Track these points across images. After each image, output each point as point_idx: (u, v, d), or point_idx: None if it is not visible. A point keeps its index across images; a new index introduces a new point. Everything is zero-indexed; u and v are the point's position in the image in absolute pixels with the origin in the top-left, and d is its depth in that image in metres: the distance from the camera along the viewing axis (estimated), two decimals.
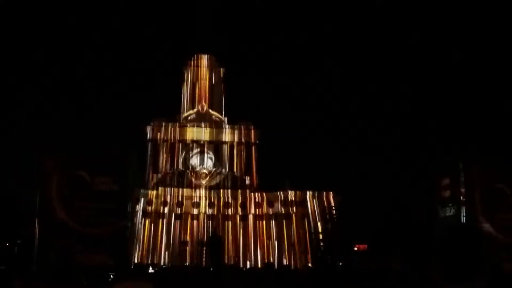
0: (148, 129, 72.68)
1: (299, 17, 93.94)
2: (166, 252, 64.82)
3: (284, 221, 67.62)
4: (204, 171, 70.36)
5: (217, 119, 73.17)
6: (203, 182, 69.00)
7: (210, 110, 73.08)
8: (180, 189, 67.38)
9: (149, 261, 59.67)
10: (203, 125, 72.10)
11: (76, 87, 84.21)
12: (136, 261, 57.04)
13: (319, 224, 62.85)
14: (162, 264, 60.10)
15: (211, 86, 76.03)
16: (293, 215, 66.97)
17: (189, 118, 72.87)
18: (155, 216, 66.43)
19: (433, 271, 3.97)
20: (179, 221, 67.18)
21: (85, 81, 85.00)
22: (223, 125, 73.82)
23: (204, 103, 72.82)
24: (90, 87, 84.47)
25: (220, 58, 77.16)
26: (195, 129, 72.66)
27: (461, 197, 25.49)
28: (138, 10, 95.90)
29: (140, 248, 63.57)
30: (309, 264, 60.27)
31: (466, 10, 77.33)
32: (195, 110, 73.01)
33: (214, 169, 71.16)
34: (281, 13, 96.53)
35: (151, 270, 36.19)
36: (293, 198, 67.13)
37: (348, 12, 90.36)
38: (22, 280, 13.44)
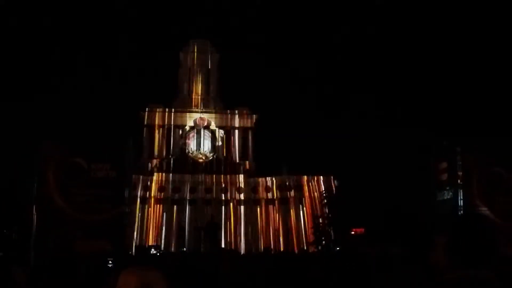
0: (144, 114, 72.52)
1: (297, 3, 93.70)
2: (164, 237, 64.93)
3: (281, 205, 67.75)
4: (201, 156, 70.35)
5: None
6: (200, 167, 69.00)
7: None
8: (177, 175, 67.36)
9: (149, 244, 59.77)
10: (199, 111, 71.98)
11: (72, 74, 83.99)
12: (135, 246, 57.07)
13: (316, 208, 62.96)
14: (161, 248, 60.24)
15: (207, 73, 75.78)
16: (291, 199, 67.09)
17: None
18: (152, 202, 66.46)
19: (438, 257, 3.96)
20: (176, 206, 67.23)
21: (82, 68, 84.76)
22: (220, 111, 73.71)
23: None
24: (87, 73, 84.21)
25: (216, 43, 76.93)
26: (192, 114, 72.54)
27: (458, 181, 25.54)
28: None
29: (138, 233, 63.68)
30: (307, 248, 60.42)
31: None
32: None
33: (211, 154, 71.14)
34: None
35: (153, 251, 36.29)
36: (291, 183, 67.25)
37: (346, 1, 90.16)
38: (20, 267, 13.39)
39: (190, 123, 72.34)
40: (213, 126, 72.95)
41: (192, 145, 71.93)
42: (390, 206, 60.36)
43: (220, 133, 73.19)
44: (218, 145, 72.70)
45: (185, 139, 72.45)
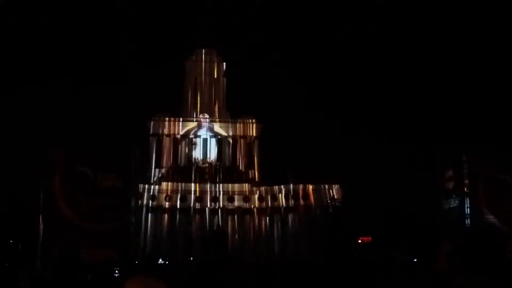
0: (151, 124, 72.66)
1: (302, 9, 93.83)
2: (171, 246, 64.88)
3: (288, 214, 67.64)
4: (207, 165, 70.35)
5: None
6: (206, 176, 68.97)
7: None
8: (184, 184, 67.36)
9: (156, 254, 59.66)
10: (204, 120, 72.01)
11: (78, 82, 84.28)
12: (141, 255, 56.96)
13: (323, 217, 62.76)
14: (167, 258, 60.10)
15: (213, 82, 75.91)
16: (297, 208, 66.95)
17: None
18: (158, 211, 66.45)
19: (444, 264, 3.99)
20: (182, 215, 67.19)
21: (88, 76, 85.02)
22: (226, 120, 73.79)
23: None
24: (93, 82, 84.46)
25: (221, 52, 77.01)
26: (197, 124, 72.56)
27: (465, 189, 25.46)
28: (140, 4, 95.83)
29: (145, 242, 63.68)
30: (314, 257, 60.25)
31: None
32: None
33: (217, 163, 71.15)
34: (282, 5, 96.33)
35: (160, 261, 36.13)
36: (297, 192, 67.12)
37: (351, 5, 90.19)
38: (26, 276, 13.44)
39: (196, 132, 72.42)
40: (219, 135, 73.00)
41: (198, 154, 72.00)
42: (397, 214, 60.18)
43: (226, 142, 73.25)
44: (224, 154, 72.74)
45: (191, 148, 72.54)
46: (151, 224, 65.82)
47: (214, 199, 67.66)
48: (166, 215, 66.85)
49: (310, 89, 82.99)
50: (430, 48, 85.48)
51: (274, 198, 68.42)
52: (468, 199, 25.03)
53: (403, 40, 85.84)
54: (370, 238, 62.52)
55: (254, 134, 73.58)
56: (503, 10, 74.91)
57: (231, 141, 73.34)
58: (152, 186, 66.78)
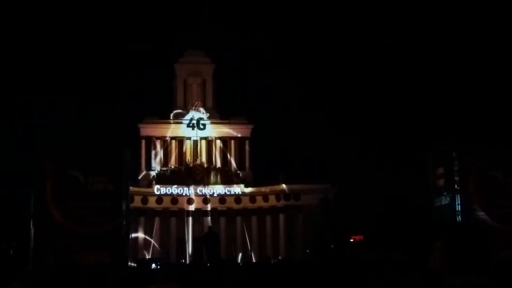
0: (141, 126, 72.53)
1: (293, 10, 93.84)
2: (163, 249, 64.78)
3: (279, 215, 67.71)
4: (198, 167, 70.28)
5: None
6: (197, 177, 68.93)
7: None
8: (175, 186, 67.30)
9: (149, 257, 59.55)
10: (195, 122, 71.81)
11: (67, 86, 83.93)
12: (134, 259, 56.92)
13: (314, 217, 62.72)
14: (160, 260, 59.89)
15: (203, 84, 75.87)
16: (289, 208, 67.00)
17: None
18: (150, 214, 66.40)
19: (436, 262, 3.98)
20: (174, 217, 67.14)
21: (76, 79, 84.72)
22: (217, 121, 73.71)
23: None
24: (82, 85, 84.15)
25: (211, 53, 76.93)
26: (188, 125, 72.34)
27: (455, 186, 25.51)
28: (130, 4, 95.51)
29: (137, 245, 63.54)
30: (306, 257, 60.30)
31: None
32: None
33: (208, 165, 71.09)
34: (272, 5, 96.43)
35: (154, 266, 36.02)
36: (288, 192, 67.16)
37: (342, 7, 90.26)
38: (19, 280, 13.40)
39: (186, 134, 72.29)
40: (210, 136, 72.93)
41: (189, 156, 71.90)
42: (389, 212, 60.33)
43: (217, 143, 73.21)
44: (215, 156, 72.70)
45: (182, 151, 72.44)
46: (142, 227, 65.75)
47: (205, 200, 67.64)
48: (157, 217, 66.78)
49: (301, 88, 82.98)
50: (421, 47, 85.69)
51: (266, 198, 68.46)
52: (459, 196, 25.08)
53: (394, 39, 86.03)
54: (361, 237, 62.63)
55: (245, 135, 73.61)
56: (491, 9, 75.31)
57: (221, 142, 73.32)
58: (143, 189, 66.72)
